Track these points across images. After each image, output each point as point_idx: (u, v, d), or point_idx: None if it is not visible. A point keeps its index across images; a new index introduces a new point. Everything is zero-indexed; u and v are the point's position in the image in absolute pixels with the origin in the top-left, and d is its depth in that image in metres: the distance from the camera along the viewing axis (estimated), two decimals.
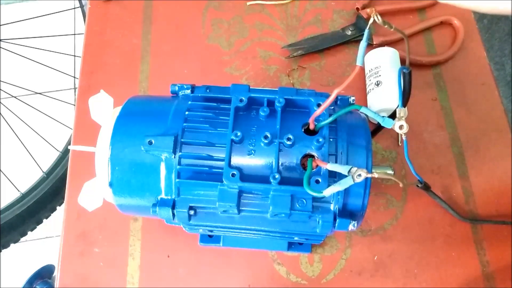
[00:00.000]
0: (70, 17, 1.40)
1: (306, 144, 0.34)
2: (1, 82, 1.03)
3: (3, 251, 0.89)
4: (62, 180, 0.90)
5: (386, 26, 0.33)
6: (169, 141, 0.34)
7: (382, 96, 0.49)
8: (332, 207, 0.34)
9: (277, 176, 0.33)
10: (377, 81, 0.50)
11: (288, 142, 0.33)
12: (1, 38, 0.94)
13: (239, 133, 0.33)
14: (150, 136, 0.34)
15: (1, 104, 0.95)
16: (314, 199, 0.34)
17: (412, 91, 0.37)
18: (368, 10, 0.57)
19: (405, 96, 0.36)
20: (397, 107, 0.35)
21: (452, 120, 0.52)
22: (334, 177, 0.33)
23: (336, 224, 0.34)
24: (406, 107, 0.35)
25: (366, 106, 0.45)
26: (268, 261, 0.47)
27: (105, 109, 0.38)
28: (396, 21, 0.57)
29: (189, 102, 0.37)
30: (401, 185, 0.30)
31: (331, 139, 0.34)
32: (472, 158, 0.51)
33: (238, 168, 0.33)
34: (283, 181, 0.33)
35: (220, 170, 0.34)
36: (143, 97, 0.44)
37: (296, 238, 0.41)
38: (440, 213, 0.48)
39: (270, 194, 0.34)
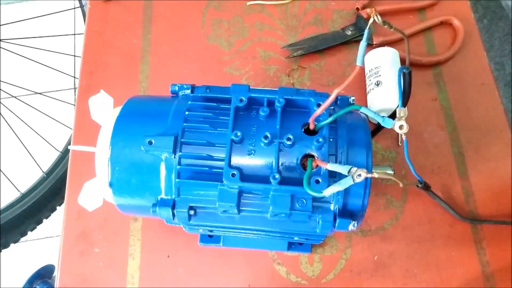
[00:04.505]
0: (70, 17, 1.40)
1: (306, 144, 0.34)
2: (1, 82, 1.03)
3: (3, 251, 0.89)
4: (62, 180, 0.90)
5: (386, 26, 0.33)
6: (169, 141, 0.34)
7: (382, 96, 0.49)
8: (332, 207, 0.34)
9: (277, 176, 0.33)
10: (377, 81, 0.50)
11: (288, 142, 0.33)
12: (1, 38, 0.93)
13: (239, 133, 0.33)
14: (150, 136, 0.34)
15: (1, 104, 0.95)
16: (314, 199, 0.34)
17: (412, 91, 0.37)
18: (368, 10, 0.57)
19: (405, 96, 0.37)
20: (397, 107, 0.35)
21: (452, 120, 0.52)
22: (334, 177, 0.33)
23: (336, 224, 0.34)
24: (406, 107, 0.35)
25: (366, 106, 0.45)
26: (268, 261, 0.47)
27: (105, 109, 0.38)
28: (396, 21, 0.57)
29: (189, 102, 0.37)
30: (401, 185, 0.30)
31: (331, 139, 0.34)
32: (472, 158, 0.51)
33: (238, 168, 0.33)
34: (283, 181, 0.33)
35: (220, 170, 0.34)
36: (143, 97, 0.44)
37: (296, 238, 0.41)
38: (440, 213, 0.48)
39: (270, 194, 0.34)
